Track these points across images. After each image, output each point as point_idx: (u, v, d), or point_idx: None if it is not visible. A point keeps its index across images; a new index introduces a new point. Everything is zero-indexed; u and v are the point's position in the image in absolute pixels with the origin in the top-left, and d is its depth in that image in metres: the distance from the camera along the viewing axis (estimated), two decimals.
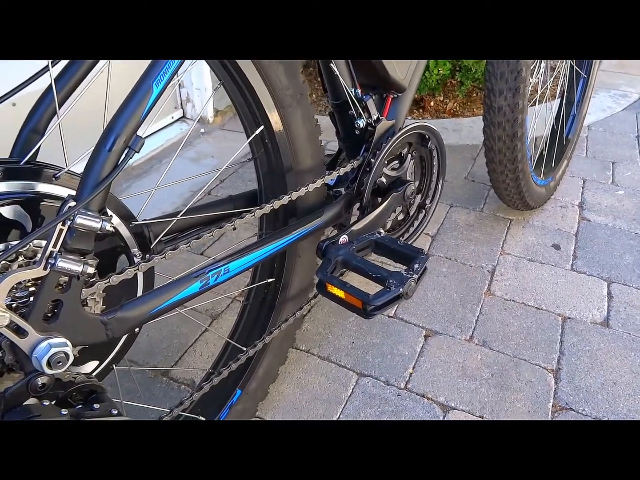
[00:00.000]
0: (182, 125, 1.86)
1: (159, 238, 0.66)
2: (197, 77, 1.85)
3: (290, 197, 0.73)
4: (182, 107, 1.91)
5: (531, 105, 1.41)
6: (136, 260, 0.63)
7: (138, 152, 0.51)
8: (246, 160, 0.80)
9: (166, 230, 0.67)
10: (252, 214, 0.69)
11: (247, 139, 0.76)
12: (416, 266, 0.69)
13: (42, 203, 0.54)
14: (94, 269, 0.50)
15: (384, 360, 1.09)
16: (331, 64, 0.76)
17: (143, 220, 0.63)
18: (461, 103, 2.30)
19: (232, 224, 0.66)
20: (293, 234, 0.76)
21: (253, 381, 0.87)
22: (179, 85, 1.88)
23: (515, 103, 1.12)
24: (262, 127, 0.73)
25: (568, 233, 1.46)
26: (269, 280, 0.85)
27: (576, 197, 1.62)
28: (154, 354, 1.11)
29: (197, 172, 1.69)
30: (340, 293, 0.67)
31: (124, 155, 0.51)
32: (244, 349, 0.78)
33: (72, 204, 0.48)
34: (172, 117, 1.86)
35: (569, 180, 1.69)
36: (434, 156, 0.96)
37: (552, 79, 1.57)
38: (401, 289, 0.66)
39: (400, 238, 0.98)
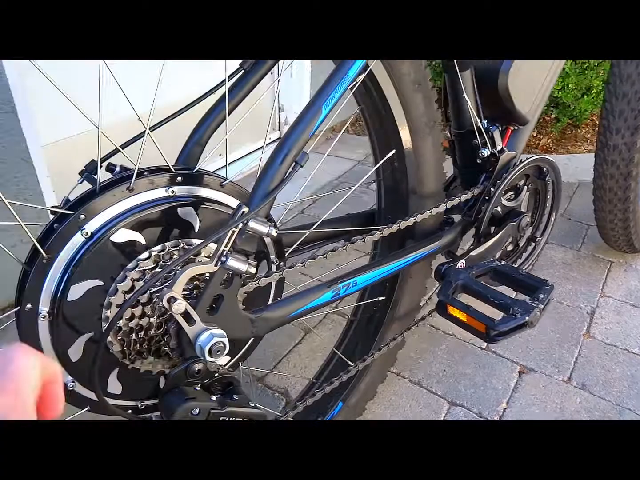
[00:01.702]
0: None
1: (294, 247, 0.70)
2: (297, 102, 1.95)
3: (415, 219, 0.76)
4: (279, 129, 2.01)
5: None
6: (273, 266, 0.67)
7: (303, 167, 0.56)
8: (370, 182, 0.84)
9: (300, 240, 0.71)
10: (381, 231, 0.72)
11: (376, 162, 0.79)
12: (541, 296, 0.69)
13: (205, 206, 0.60)
14: (255, 269, 0.54)
15: (477, 391, 1.07)
16: (464, 95, 0.78)
17: (282, 230, 0.68)
18: (555, 139, 2.25)
19: (363, 239, 0.70)
20: (411, 255, 0.78)
21: (354, 396, 0.89)
22: (279, 108, 1.98)
23: (633, 142, 1.09)
24: (394, 151, 0.76)
25: None
26: (380, 298, 0.87)
27: None
28: (250, 361, 1.16)
29: (291, 191, 1.76)
30: (462, 316, 0.69)
31: (290, 169, 0.55)
32: (350, 363, 0.80)
33: (245, 209, 0.53)
34: (270, 138, 1.96)
35: None
36: (549, 190, 0.96)
37: None
38: (527, 317, 0.66)
39: None
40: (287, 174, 0.55)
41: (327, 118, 0.57)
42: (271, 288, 0.69)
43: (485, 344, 1.18)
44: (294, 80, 1.97)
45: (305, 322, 1.24)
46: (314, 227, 0.73)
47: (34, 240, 0.49)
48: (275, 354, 1.17)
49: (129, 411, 0.60)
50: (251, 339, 0.71)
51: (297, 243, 0.71)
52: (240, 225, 0.53)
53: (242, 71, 0.69)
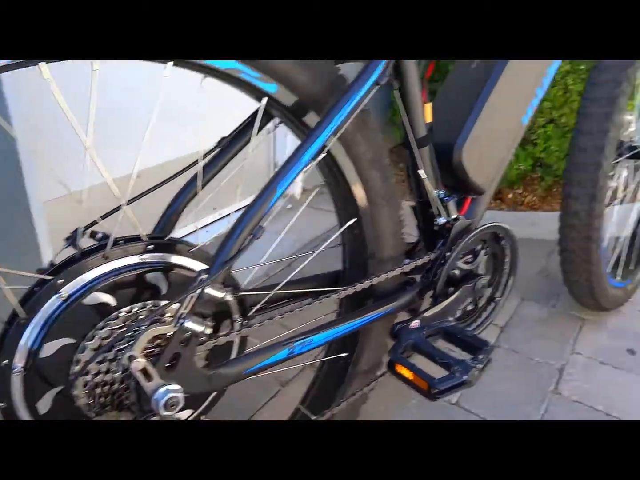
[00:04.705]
0: None
1: (257, 307, 0.77)
2: None
3: (371, 282, 0.82)
4: None
5: (611, 206, 1.45)
6: (236, 325, 0.74)
7: (258, 238, 0.64)
8: (334, 245, 0.91)
9: (263, 301, 0.78)
10: (337, 293, 0.79)
11: (340, 227, 0.87)
12: (481, 356, 0.75)
13: (174, 271, 0.68)
14: (211, 330, 0.61)
15: None
16: (419, 170, 0.87)
17: (246, 291, 0.75)
18: (540, 197, 2.34)
19: (320, 300, 0.76)
20: (369, 315, 0.84)
21: None
22: (274, 165, 2.09)
23: (592, 208, 1.16)
24: (354, 219, 0.84)
25: None
26: (342, 354, 0.93)
27: None
28: (224, 414, 1.20)
29: (281, 245, 1.84)
30: (408, 374, 0.74)
31: (247, 241, 0.63)
32: (313, 417, 0.85)
33: (205, 276, 0.61)
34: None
35: None
36: (506, 254, 1.02)
37: (636, 184, 1.59)
38: (465, 377, 0.72)
39: (468, 327, 1.03)
40: (243, 246, 0.63)
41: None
42: (233, 344, 0.75)
43: (456, 399, 1.22)
44: (289, 140, 2.08)
45: (282, 375, 1.29)
46: (277, 288, 0.80)
47: (14, 303, 0.56)
48: (250, 407, 1.21)
49: None
50: (213, 393, 0.76)
51: (261, 303, 0.77)
52: (200, 291, 0.60)
53: (219, 149, 0.79)
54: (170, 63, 0.58)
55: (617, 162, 1.43)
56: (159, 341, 0.65)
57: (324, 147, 0.70)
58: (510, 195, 2.23)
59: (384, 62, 0.70)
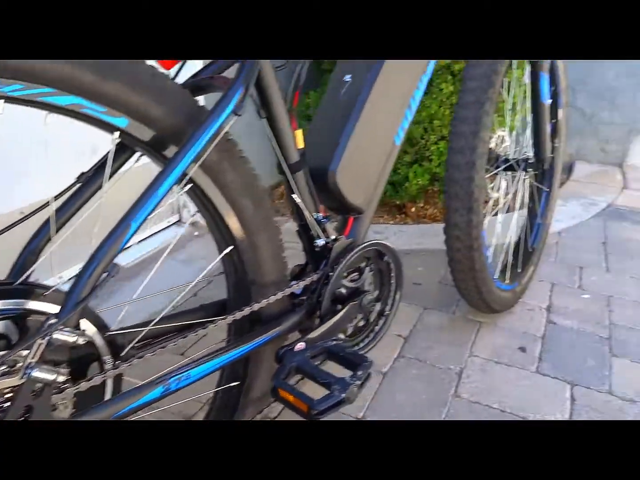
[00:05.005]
0: (178, 229, 2.01)
1: (130, 346, 0.74)
2: None
3: (252, 308, 0.83)
4: (179, 212, 2.07)
5: (494, 215, 1.56)
6: (106, 366, 0.71)
7: (114, 277, 0.62)
8: (218, 274, 0.90)
9: (137, 339, 0.75)
10: (215, 324, 0.78)
11: (219, 255, 0.87)
12: (359, 373, 0.77)
13: (30, 318, 0.64)
14: (64, 377, 0.58)
15: None
16: (293, 195, 0.89)
17: (115, 331, 0.72)
18: (441, 209, 2.46)
19: (196, 333, 0.75)
20: (254, 341, 0.84)
21: None
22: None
23: (470, 220, 1.25)
24: (231, 247, 0.84)
25: (534, 336, 1.53)
26: (233, 384, 0.92)
27: (544, 300, 1.71)
28: None
29: (188, 274, 1.81)
30: (290, 397, 0.74)
31: (101, 280, 0.61)
32: None
33: (53, 320, 0.58)
34: (169, 221, 2.02)
35: (537, 284, 1.79)
36: (391, 269, 1.07)
37: (514, 193, 1.72)
38: (344, 395, 0.73)
39: (361, 343, 1.06)
40: (97, 284, 0.61)
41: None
42: (105, 388, 0.72)
43: (362, 413, 1.24)
44: None
45: (185, 410, 1.24)
46: (152, 324, 0.78)
47: None
48: None
49: None
50: None
51: (134, 341, 0.75)
52: (47, 337, 0.57)
53: (79, 184, 0.76)
54: (1, 101, 0.55)
55: (497, 174, 1.55)
56: (9, 395, 0.61)
57: (184, 177, 0.70)
58: (413, 209, 2.33)
59: (239, 91, 0.71)
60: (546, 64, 1.37)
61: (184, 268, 1.83)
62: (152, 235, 1.92)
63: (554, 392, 1.31)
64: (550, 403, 1.27)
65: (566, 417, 1.23)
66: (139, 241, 1.87)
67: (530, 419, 1.22)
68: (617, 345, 1.49)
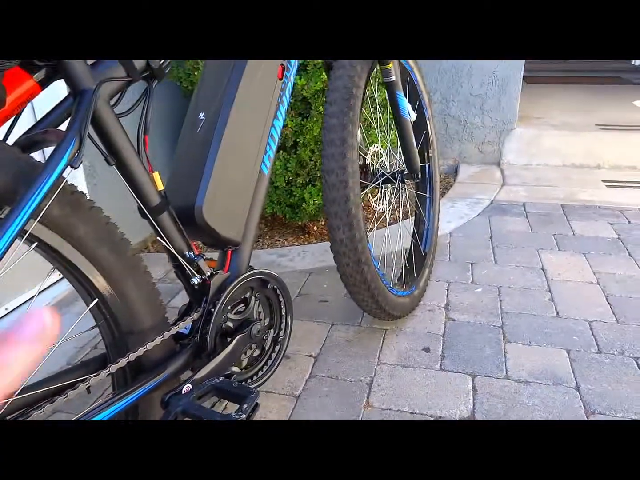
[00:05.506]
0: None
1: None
2: None
3: (128, 359, 0.80)
4: None
5: (389, 225, 1.63)
6: None
7: None
8: (95, 325, 0.87)
9: (2, 410, 0.70)
10: (87, 382, 0.75)
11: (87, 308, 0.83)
12: (245, 406, 0.76)
13: None
14: None
15: None
16: (159, 238, 0.88)
17: None
18: None
19: (65, 396, 0.72)
20: (137, 391, 0.81)
21: None
22: None
23: (353, 235, 1.30)
24: (96, 300, 0.81)
25: (436, 335, 1.61)
26: None
27: (442, 299, 1.80)
28: None
29: (84, 328, 1.71)
30: None
31: None
32: None
33: None
34: (60, 275, 1.91)
35: (435, 284, 1.89)
36: (278, 294, 1.08)
37: (395, 205, 1.81)
38: None
39: (260, 372, 1.06)
40: None
41: None
42: None
43: None
44: None
45: None
46: (15, 393, 0.73)
47: None
48: None
49: None
50: None
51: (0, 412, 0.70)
52: None
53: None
54: None
55: (378, 188, 1.63)
56: None
57: (24, 234, 0.68)
58: (315, 228, 2.38)
59: (73, 142, 0.70)
60: (399, 83, 1.48)
61: (81, 321, 1.73)
62: (43, 290, 1.81)
63: (458, 386, 1.38)
64: (454, 397, 1.34)
65: (470, 409, 1.29)
66: (39, 292, 1.77)
67: (438, 416, 1.28)
68: (509, 331, 1.61)
